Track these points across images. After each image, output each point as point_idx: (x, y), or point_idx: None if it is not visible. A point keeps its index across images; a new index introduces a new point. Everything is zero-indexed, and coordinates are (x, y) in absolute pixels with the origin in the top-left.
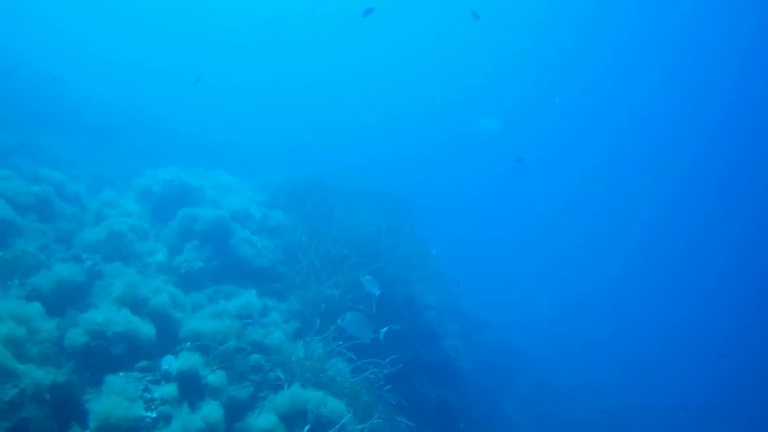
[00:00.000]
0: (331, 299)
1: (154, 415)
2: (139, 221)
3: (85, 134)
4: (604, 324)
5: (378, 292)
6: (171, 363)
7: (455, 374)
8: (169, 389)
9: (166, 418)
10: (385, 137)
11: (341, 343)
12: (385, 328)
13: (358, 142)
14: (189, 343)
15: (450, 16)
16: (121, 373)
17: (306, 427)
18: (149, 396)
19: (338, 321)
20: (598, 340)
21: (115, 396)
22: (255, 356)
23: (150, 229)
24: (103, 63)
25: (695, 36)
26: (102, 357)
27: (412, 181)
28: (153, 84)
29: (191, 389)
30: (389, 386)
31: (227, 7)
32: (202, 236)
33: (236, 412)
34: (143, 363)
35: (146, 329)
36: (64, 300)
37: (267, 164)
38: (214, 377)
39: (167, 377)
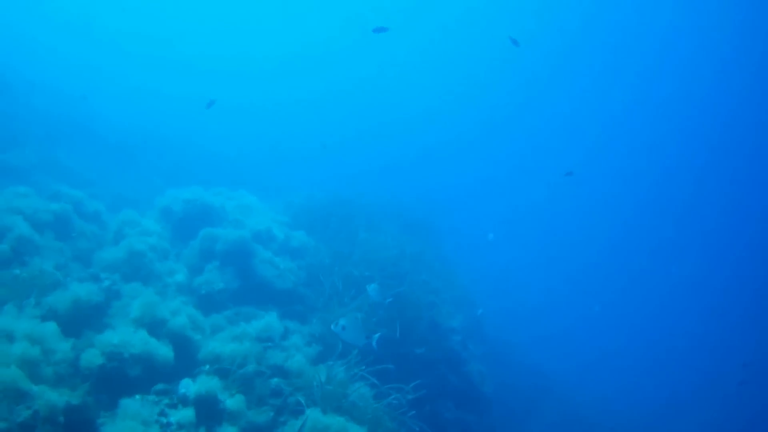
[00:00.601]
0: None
1: None
2: (159, 241)
3: (108, 153)
4: (626, 339)
5: (387, 300)
6: (188, 386)
7: (480, 399)
8: (186, 414)
9: None
10: (404, 151)
11: (364, 367)
12: (377, 334)
13: (377, 154)
14: (208, 366)
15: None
16: (137, 396)
17: None
18: (165, 420)
19: (331, 327)
20: (619, 355)
21: (130, 420)
22: (275, 380)
23: (170, 249)
24: (123, 84)
25: (683, 38)
26: (118, 379)
27: (434, 194)
28: (176, 105)
29: (209, 414)
30: (413, 412)
31: (234, 27)
32: (223, 257)
33: None
34: (160, 386)
35: (164, 351)
36: (81, 320)
37: (291, 183)
38: (232, 401)
39: (184, 401)
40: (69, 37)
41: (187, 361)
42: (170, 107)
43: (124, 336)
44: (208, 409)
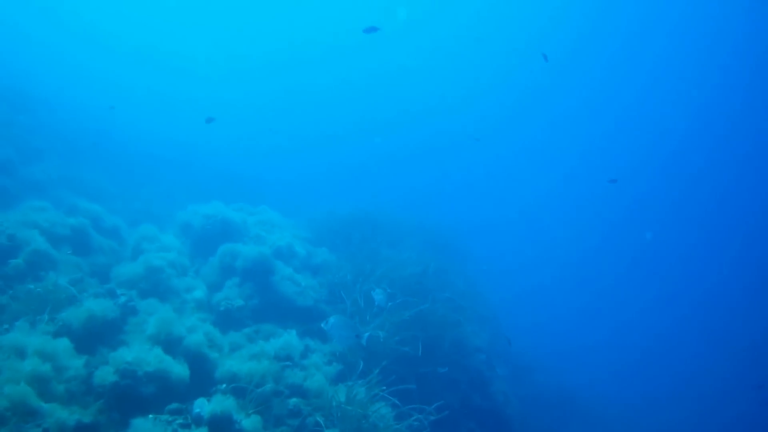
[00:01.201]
0: (375, 341)
1: None
2: (179, 257)
3: (131, 168)
4: (654, 350)
5: (387, 304)
6: (203, 406)
7: (504, 420)
8: None
9: None
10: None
11: (385, 387)
12: (367, 333)
13: (401, 173)
14: (224, 385)
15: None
16: (150, 416)
17: None
18: None
19: (321, 325)
20: (648, 367)
21: None
22: (294, 400)
23: (190, 265)
24: (146, 98)
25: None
26: (131, 398)
27: (458, 211)
28: (199, 120)
29: None
30: None
31: (256, 43)
32: (243, 273)
33: None
34: (174, 405)
35: (179, 369)
36: (95, 337)
37: (314, 198)
38: (248, 422)
39: (198, 421)
40: (91, 51)
41: (203, 379)
42: (194, 122)
43: (138, 353)
44: (222, 430)
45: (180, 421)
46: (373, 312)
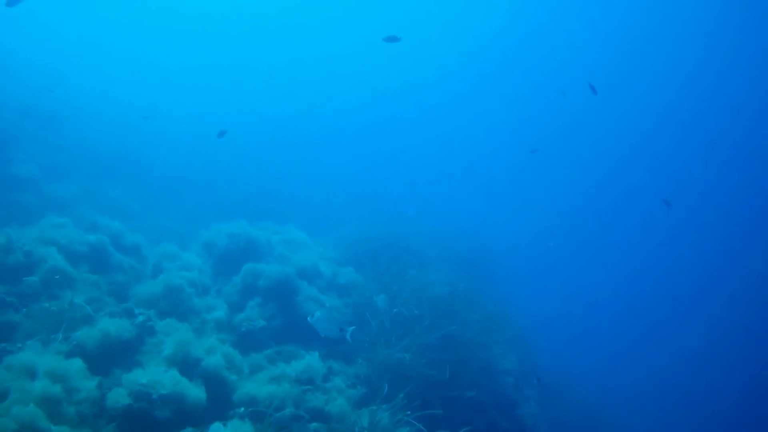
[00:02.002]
0: (401, 364)
1: None
2: (200, 276)
3: (158, 185)
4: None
5: (391, 310)
6: (219, 431)
7: None
8: None
9: None
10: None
11: (410, 412)
12: (352, 327)
13: (430, 187)
14: (242, 409)
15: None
16: None
17: None
18: None
19: (308, 318)
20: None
21: None
22: (314, 425)
23: (211, 285)
24: (172, 117)
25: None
26: (145, 421)
27: (487, 228)
28: (229, 137)
29: None
30: None
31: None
32: (265, 293)
33: None
34: (189, 430)
35: (195, 392)
36: (109, 357)
37: (342, 217)
38: None
39: None
40: (117, 67)
41: (220, 403)
42: (219, 141)
43: (153, 375)
44: None
45: None
46: (399, 334)
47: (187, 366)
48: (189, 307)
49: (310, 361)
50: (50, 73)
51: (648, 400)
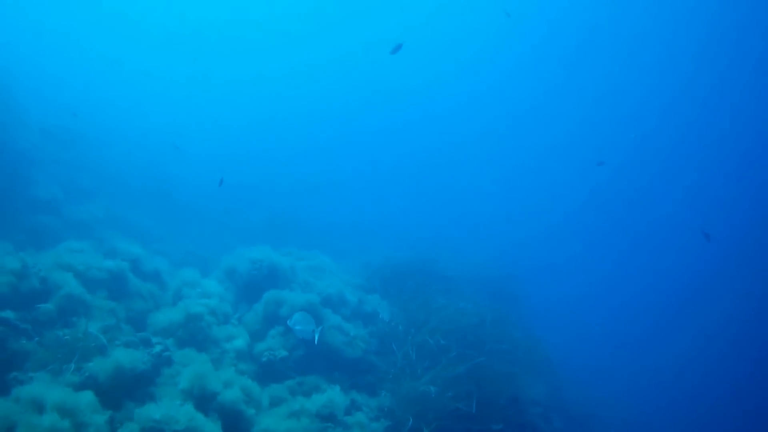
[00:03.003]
0: (426, 396)
1: None
2: (220, 303)
3: (182, 206)
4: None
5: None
6: None
7: None
8: None
9: None
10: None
11: None
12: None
13: (456, 211)
14: None
15: None
16: None
17: None
18: None
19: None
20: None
21: None
22: None
23: (232, 313)
24: (200, 139)
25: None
26: None
27: (516, 251)
28: (253, 162)
29: None
30: None
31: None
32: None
33: None
34: None
35: (211, 428)
36: (123, 390)
37: (369, 241)
38: None
39: None
40: (144, 89)
41: None
42: (247, 164)
43: (167, 410)
44: None
45: None
46: (425, 365)
47: (203, 400)
48: (208, 336)
49: (331, 395)
50: (74, 91)
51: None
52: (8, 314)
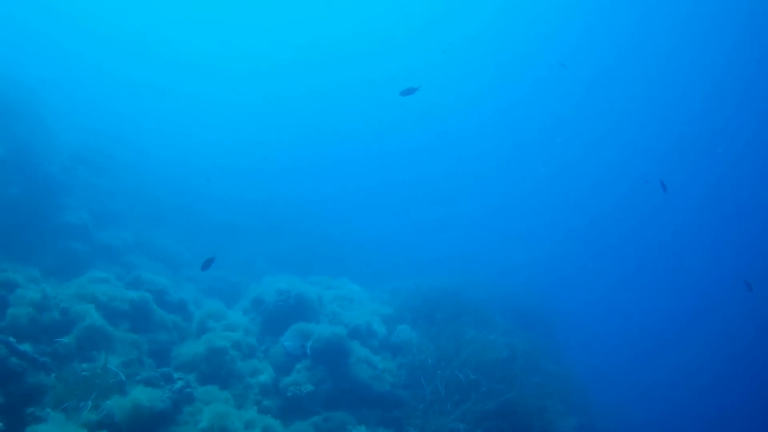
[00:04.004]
0: None
1: None
2: (245, 336)
3: (212, 231)
4: None
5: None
6: None
7: None
8: None
9: None
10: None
11: None
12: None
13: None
14: None
15: None
16: None
17: None
18: None
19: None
20: None
21: None
22: None
23: (257, 346)
24: (229, 163)
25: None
26: None
27: (548, 276)
28: (285, 184)
29: None
30: None
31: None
32: (314, 355)
33: None
34: None
35: None
36: (140, 429)
37: (400, 264)
38: None
39: None
40: (177, 111)
41: None
42: (277, 189)
43: None
44: None
45: None
46: (454, 400)
47: None
48: (232, 370)
49: None
50: (104, 114)
51: None
52: (27, 347)
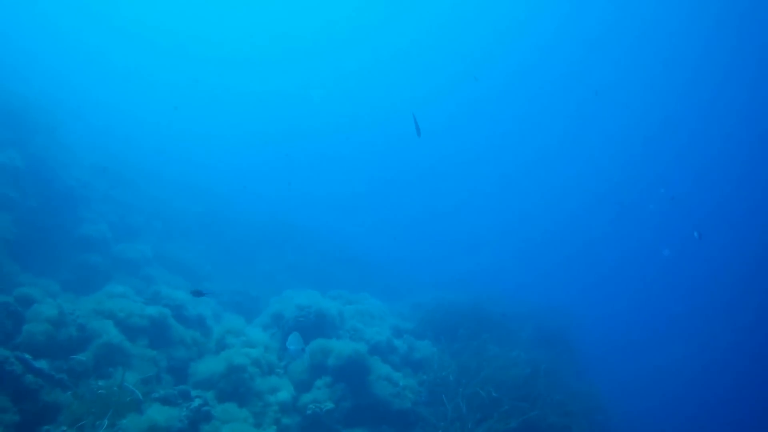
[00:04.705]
0: None
1: None
2: (264, 353)
3: (233, 244)
4: None
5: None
6: None
7: None
8: None
9: None
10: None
11: None
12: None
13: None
14: None
15: None
16: None
17: None
18: None
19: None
20: None
21: None
22: None
23: (277, 362)
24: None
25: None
26: None
27: (571, 291)
28: (306, 199)
29: None
30: None
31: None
32: (335, 372)
33: None
34: None
35: None
36: None
37: (422, 277)
38: None
39: None
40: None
41: None
42: (300, 202)
43: None
44: None
45: None
46: (476, 419)
47: None
48: (251, 388)
49: None
50: (126, 126)
51: None
52: (43, 364)
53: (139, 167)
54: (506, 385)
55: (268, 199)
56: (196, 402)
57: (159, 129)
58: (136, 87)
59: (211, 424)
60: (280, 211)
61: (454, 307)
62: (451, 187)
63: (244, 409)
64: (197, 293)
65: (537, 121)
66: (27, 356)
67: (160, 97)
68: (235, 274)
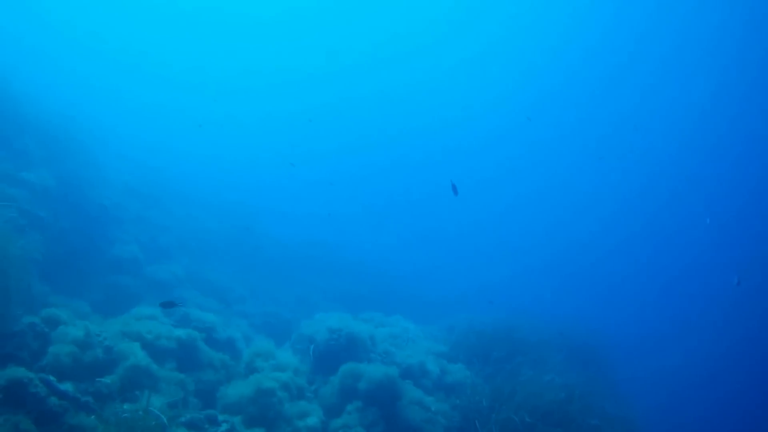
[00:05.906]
0: None
1: None
2: (294, 377)
3: (267, 266)
4: None
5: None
6: None
7: None
8: None
9: None
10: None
11: None
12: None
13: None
14: None
15: None
16: None
17: None
18: None
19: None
20: None
21: None
22: None
23: (307, 386)
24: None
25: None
26: None
27: (604, 312)
28: (345, 221)
29: None
30: None
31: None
32: (366, 397)
33: None
34: None
35: None
36: None
37: (455, 297)
38: None
39: None
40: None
41: None
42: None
43: None
44: None
45: None
46: None
47: None
48: (279, 413)
49: None
50: (160, 147)
51: None
52: (68, 386)
53: (170, 189)
54: (540, 411)
55: (300, 218)
56: (223, 427)
57: (189, 150)
58: (169, 116)
59: None
60: (313, 230)
61: (487, 328)
62: (476, 202)
63: None
64: (169, 304)
65: (565, 137)
66: (51, 378)
67: (191, 121)
68: (268, 295)
